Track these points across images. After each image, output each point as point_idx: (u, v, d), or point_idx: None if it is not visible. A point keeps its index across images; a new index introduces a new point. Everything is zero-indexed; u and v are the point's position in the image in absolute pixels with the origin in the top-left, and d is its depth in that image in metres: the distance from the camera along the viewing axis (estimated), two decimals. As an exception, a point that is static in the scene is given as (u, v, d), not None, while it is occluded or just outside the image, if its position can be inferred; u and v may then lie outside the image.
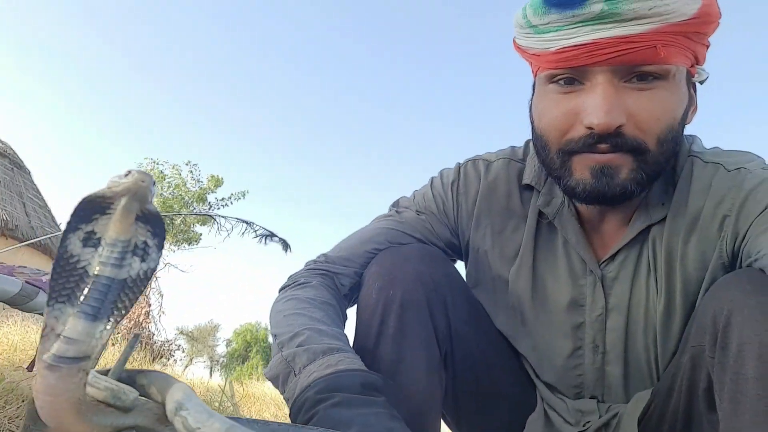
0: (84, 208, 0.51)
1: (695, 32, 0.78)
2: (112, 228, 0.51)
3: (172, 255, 12.71)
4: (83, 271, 0.50)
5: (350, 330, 0.91)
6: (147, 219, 0.51)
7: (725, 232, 0.84)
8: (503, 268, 0.99)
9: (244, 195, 13.75)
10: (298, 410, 0.72)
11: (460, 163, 1.07)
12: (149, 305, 11.38)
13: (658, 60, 0.76)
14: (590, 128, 0.79)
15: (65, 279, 0.49)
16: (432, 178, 1.08)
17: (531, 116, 0.92)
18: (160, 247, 0.52)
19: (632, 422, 0.89)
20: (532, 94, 0.92)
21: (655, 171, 0.82)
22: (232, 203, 13.78)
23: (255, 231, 7.56)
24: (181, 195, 13.38)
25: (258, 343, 36.08)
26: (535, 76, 0.90)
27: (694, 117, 0.88)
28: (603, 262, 0.92)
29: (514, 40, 0.91)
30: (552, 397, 0.99)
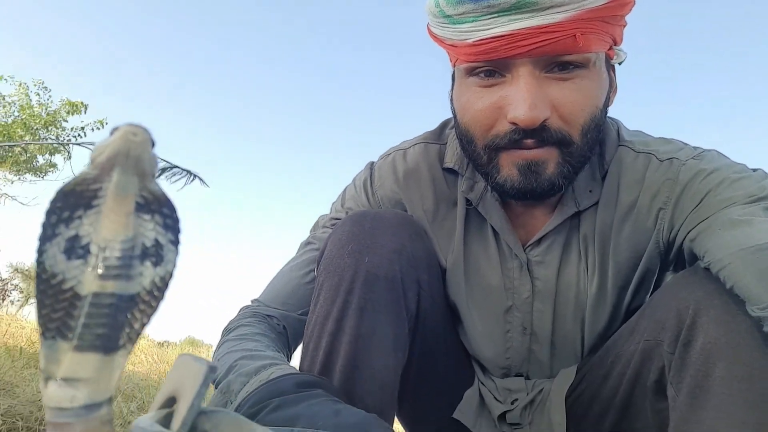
0: (61, 204, 0.37)
1: (612, 15, 0.77)
2: (104, 225, 0.37)
3: (10, 186, 11.06)
4: (72, 292, 0.37)
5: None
6: (151, 205, 0.38)
7: (661, 224, 0.86)
8: (441, 253, 0.97)
9: (102, 124, 11.77)
10: None
11: (371, 162, 1.04)
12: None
13: (578, 49, 0.75)
14: (514, 123, 0.77)
15: (50, 306, 0.37)
16: (345, 186, 1.05)
17: (453, 109, 0.89)
18: (177, 242, 0.40)
19: (559, 398, 0.93)
20: (452, 85, 0.90)
21: (580, 162, 0.82)
22: (85, 134, 10.85)
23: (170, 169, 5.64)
24: (25, 121, 11.67)
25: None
26: (454, 66, 0.87)
27: (614, 98, 0.88)
28: (528, 246, 0.92)
29: (428, 27, 0.87)
30: (483, 376, 1.02)
